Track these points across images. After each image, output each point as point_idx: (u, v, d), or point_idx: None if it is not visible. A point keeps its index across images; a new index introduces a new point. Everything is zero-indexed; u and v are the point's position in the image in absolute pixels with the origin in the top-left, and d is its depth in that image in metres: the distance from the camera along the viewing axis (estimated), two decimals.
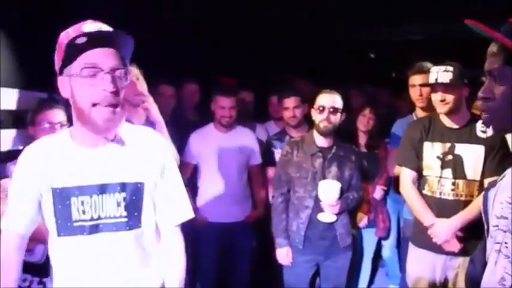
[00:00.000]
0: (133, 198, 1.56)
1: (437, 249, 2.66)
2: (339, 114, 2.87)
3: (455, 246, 2.61)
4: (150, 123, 2.85)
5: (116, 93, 1.43)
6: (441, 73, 2.64)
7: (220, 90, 3.49)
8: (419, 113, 3.33)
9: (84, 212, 1.51)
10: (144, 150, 1.60)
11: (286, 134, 3.59)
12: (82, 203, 1.50)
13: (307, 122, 3.52)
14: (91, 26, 1.46)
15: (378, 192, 3.66)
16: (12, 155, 2.56)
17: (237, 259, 3.52)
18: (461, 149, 2.66)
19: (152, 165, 1.61)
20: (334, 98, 2.88)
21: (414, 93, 3.31)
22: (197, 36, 4.70)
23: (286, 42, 5.81)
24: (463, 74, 2.64)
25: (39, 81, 2.82)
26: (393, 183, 3.59)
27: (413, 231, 2.85)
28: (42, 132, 2.42)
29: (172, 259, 1.67)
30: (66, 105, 2.71)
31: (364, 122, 3.65)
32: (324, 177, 2.85)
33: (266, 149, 3.62)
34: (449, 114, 2.69)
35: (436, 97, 2.67)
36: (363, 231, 3.78)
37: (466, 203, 2.62)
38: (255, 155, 3.56)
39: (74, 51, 1.43)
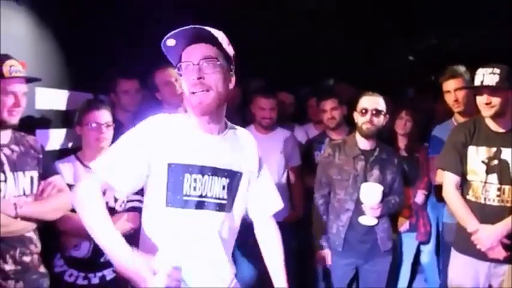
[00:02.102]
0: (235, 185, 1.78)
1: (481, 256, 2.61)
2: (382, 117, 2.85)
3: (500, 253, 2.55)
4: None
5: (202, 79, 1.63)
6: (487, 75, 2.57)
7: (260, 92, 3.51)
8: (458, 118, 3.27)
9: (195, 189, 1.68)
10: (245, 145, 1.85)
11: (327, 136, 3.59)
12: (195, 180, 1.67)
13: (348, 124, 3.52)
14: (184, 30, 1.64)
15: (419, 197, 3.59)
16: (61, 154, 2.65)
17: None
18: (507, 153, 2.60)
19: (251, 160, 1.85)
20: (377, 100, 2.86)
21: (449, 98, 3.26)
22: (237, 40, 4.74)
23: (323, 47, 5.80)
24: (510, 77, 2.56)
25: (86, 83, 2.92)
26: (434, 191, 3.53)
27: (456, 237, 2.80)
28: (89, 132, 2.50)
29: (274, 247, 1.94)
30: (111, 106, 2.82)
31: (402, 124, 3.59)
32: (366, 180, 2.84)
33: (307, 151, 3.63)
34: (495, 117, 2.62)
35: (482, 100, 2.61)
36: (402, 236, 3.72)
37: None
38: (295, 157, 3.56)
39: (173, 53, 1.67)
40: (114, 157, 1.66)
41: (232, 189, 1.77)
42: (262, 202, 1.93)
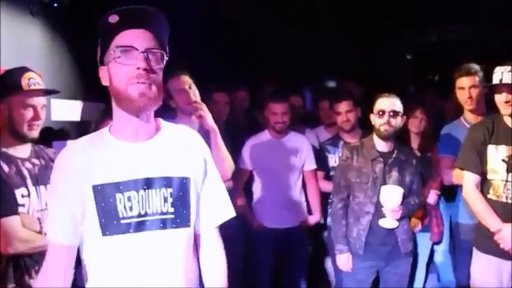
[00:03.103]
0: (180, 194, 1.48)
1: (504, 255, 2.59)
2: (399, 118, 2.84)
3: None
4: (204, 131, 2.87)
5: (150, 71, 1.39)
6: (506, 73, 2.56)
7: (272, 97, 3.51)
8: (468, 116, 3.25)
9: (131, 209, 1.42)
10: (186, 145, 1.55)
11: (340, 139, 3.57)
12: (129, 198, 1.42)
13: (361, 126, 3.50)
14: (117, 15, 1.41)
15: (432, 197, 3.57)
16: None
17: (292, 264, 3.51)
18: None
19: (195, 160, 1.55)
20: (394, 101, 2.85)
21: (463, 95, 3.23)
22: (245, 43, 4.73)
23: (326, 45, 5.79)
24: None
25: (101, 93, 2.90)
26: (444, 191, 3.51)
27: (478, 236, 2.77)
28: None
29: (216, 263, 1.61)
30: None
31: (416, 123, 3.55)
32: (385, 183, 2.82)
33: (319, 154, 3.61)
34: None
35: (500, 98, 2.60)
36: (417, 236, 3.70)
37: None
38: (310, 160, 3.54)
39: (108, 34, 1.41)
40: (58, 219, 1.42)
41: (180, 199, 1.48)
42: (209, 210, 1.59)
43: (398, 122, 2.83)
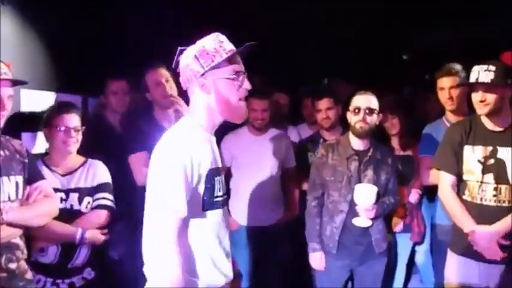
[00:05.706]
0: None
1: (478, 256, 2.57)
2: (375, 115, 2.81)
3: (497, 254, 2.52)
4: None
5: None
6: (482, 72, 2.52)
7: (253, 93, 3.45)
8: (450, 117, 3.23)
9: (220, 190, 1.82)
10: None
11: (320, 136, 3.53)
12: (219, 181, 1.82)
13: (342, 124, 3.47)
14: (224, 38, 1.80)
15: (413, 196, 3.54)
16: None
17: (270, 263, 3.47)
18: (504, 152, 2.56)
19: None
20: (370, 98, 2.82)
21: (443, 96, 3.21)
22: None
23: (320, 45, 5.76)
24: (507, 74, 2.50)
25: (74, 84, 2.87)
26: (426, 192, 3.48)
27: (453, 237, 2.76)
28: (57, 136, 2.44)
29: None
30: (102, 107, 2.76)
31: (388, 125, 3.56)
32: (360, 181, 2.79)
33: (299, 152, 3.57)
34: (490, 115, 2.58)
35: (476, 97, 2.57)
36: (397, 236, 3.68)
37: (509, 210, 2.52)
38: (289, 158, 3.51)
39: (228, 60, 1.77)
40: (180, 195, 1.68)
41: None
42: None
43: (373, 119, 2.81)
